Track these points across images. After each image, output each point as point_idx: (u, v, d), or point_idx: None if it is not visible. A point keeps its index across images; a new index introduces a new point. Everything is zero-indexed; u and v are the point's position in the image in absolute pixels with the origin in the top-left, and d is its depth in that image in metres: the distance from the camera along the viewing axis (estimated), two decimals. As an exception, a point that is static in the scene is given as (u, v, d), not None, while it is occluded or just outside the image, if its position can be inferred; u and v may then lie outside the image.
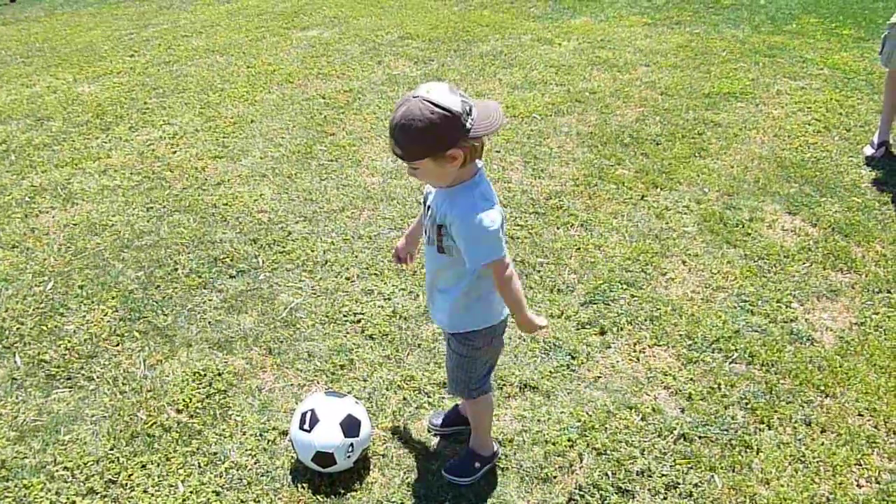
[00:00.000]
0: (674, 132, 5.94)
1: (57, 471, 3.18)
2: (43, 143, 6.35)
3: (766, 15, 9.00)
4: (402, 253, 3.06)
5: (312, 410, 3.01)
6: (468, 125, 2.36)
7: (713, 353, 3.71)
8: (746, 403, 3.41)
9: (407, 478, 3.08)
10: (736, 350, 3.72)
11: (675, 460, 3.13)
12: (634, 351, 3.73)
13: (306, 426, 2.99)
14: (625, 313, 3.96)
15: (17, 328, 4.03)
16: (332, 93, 7.01)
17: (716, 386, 3.51)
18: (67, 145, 6.27)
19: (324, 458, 2.97)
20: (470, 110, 2.36)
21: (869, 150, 5.56)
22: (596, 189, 5.13)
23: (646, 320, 3.91)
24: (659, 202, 4.97)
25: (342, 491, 3.02)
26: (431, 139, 2.35)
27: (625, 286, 4.16)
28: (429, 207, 2.65)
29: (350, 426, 2.98)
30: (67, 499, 3.04)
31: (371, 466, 3.13)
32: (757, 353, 3.69)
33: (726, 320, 3.91)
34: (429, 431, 3.30)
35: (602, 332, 3.85)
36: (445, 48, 8.09)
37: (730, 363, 3.65)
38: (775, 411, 3.36)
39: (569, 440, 3.22)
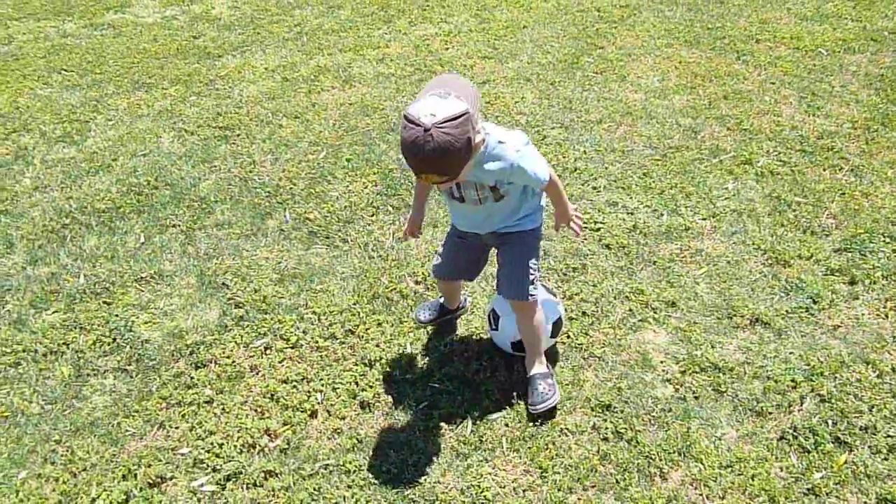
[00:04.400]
0: (983, 85, 5.29)
1: (307, 314, 3.56)
2: (331, 28, 6.84)
3: None
4: (416, 230, 3.12)
5: (493, 309, 3.18)
6: (471, 110, 2.38)
7: (977, 323, 3.38)
8: None
9: (619, 382, 3.13)
10: None
11: (907, 423, 2.93)
12: (884, 307, 3.47)
13: (493, 325, 3.18)
14: (882, 267, 3.68)
15: (290, 188, 4.49)
16: (608, 6, 6.90)
17: (972, 358, 3.21)
18: (352, 33, 6.71)
19: (521, 344, 3.13)
20: (462, 98, 2.38)
21: None
22: (875, 135, 4.72)
23: (905, 278, 3.63)
24: (948, 158, 4.49)
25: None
26: (467, 148, 2.39)
27: (888, 239, 3.85)
28: (460, 187, 2.73)
29: None
30: (312, 338, 3.42)
31: (587, 367, 3.22)
32: None
33: None
34: (418, 327, 3.45)
35: (852, 282, 3.61)
36: (735, -29, 7.65)
37: None
38: None
39: (792, 380, 3.10)
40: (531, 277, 2.92)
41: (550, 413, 3.01)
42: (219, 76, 6.04)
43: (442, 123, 2.29)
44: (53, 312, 3.69)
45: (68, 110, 5.61)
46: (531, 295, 2.93)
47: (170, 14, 7.57)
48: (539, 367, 3.09)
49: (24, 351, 3.46)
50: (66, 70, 6.32)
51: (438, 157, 2.33)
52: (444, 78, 2.54)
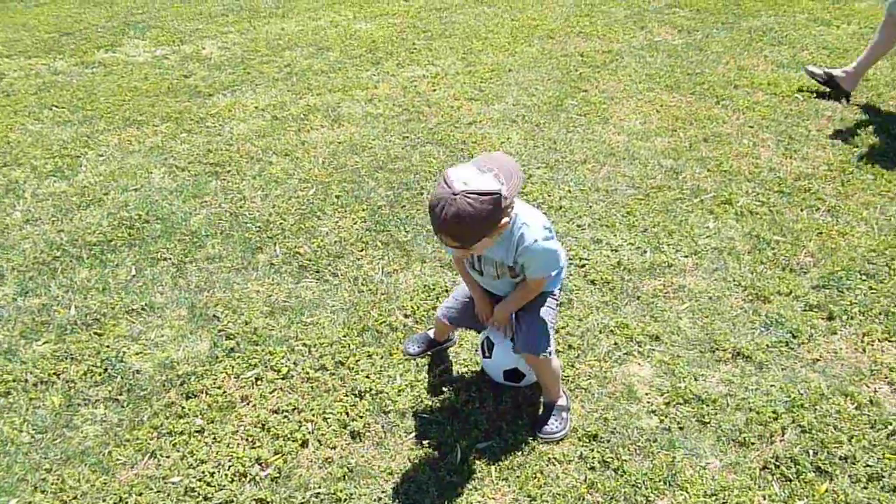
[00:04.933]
0: (953, 131, 5.47)
1: (297, 346, 3.61)
2: (321, 69, 6.97)
3: None
4: (488, 306, 3.14)
5: (487, 338, 3.23)
6: (506, 193, 2.44)
7: (952, 359, 3.48)
8: (980, 415, 3.19)
9: (605, 413, 3.20)
10: (979, 360, 3.47)
11: (884, 454, 3.00)
12: (862, 342, 3.57)
13: (486, 353, 3.23)
14: (858, 303, 3.79)
15: (280, 223, 4.56)
16: (591, 52, 7.09)
17: (947, 392, 3.31)
18: (341, 74, 6.84)
19: (512, 374, 3.20)
20: (501, 179, 2.44)
21: (815, 69, 6.03)
22: (851, 177, 4.87)
23: (881, 314, 3.72)
24: (921, 199, 4.64)
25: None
26: (488, 223, 2.46)
27: (864, 277, 3.96)
28: (480, 261, 2.88)
29: None
30: (302, 369, 3.47)
31: (573, 398, 3.28)
32: None
33: (974, 329, 3.64)
34: (407, 359, 3.53)
35: (830, 318, 3.71)
36: (713, 20, 7.88)
37: (969, 372, 3.41)
38: None
39: (773, 412, 3.18)
40: (546, 335, 2.98)
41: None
42: (209, 114, 6.13)
43: (470, 193, 2.38)
44: (44, 343, 3.71)
45: (59, 145, 5.67)
46: (545, 352, 2.98)
47: (160, 54, 7.68)
48: (561, 400, 3.19)
49: (14, 381, 3.48)
50: (57, 106, 6.39)
51: (455, 223, 2.42)
52: (493, 155, 2.58)
